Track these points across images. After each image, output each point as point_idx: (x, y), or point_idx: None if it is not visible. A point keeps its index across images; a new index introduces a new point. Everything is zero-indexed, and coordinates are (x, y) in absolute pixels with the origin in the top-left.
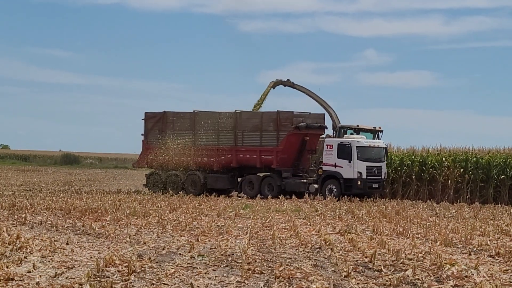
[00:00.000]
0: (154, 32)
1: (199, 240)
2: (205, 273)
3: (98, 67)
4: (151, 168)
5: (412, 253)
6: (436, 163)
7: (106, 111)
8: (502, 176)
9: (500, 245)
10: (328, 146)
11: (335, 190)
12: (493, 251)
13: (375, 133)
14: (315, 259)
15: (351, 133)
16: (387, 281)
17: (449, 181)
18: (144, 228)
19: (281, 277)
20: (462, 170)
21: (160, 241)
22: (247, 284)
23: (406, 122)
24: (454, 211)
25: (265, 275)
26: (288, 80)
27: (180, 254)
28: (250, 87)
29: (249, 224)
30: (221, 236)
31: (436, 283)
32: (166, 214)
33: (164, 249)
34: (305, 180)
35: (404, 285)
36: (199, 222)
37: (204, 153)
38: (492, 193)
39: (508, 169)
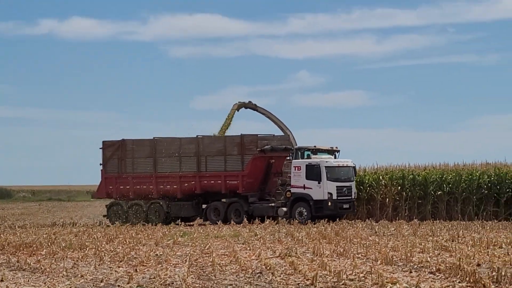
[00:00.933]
0: (86, 62)
1: (138, 270)
2: None
3: (30, 99)
4: (112, 198)
5: (354, 273)
6: (373, 182)
7: (39, 143)
8: (439, 192)
9: (441, 261)
10: (296, 168)
11: (305, 212)
12: (434, 268)
13: (332, 153)
14: (256, 284)
15: (308, 155)
16: None
17: (387, 199)
18: (81, 261)
19: None
20: (399, 187)
21: (98, 273)
22: None
23: (342, 142)
24: (393, 229)
25: None
26: (250, 102)
27: (118, 285)
28: (185, 113)
29: (188, 252)
30: (160, 265)
31: None
32: (103, 245)
33: (102, 281)
34: (273, 204)
35: None
36: (137, 252)
37: (166, 181)
38: (430, 209)
39: (444, 185)
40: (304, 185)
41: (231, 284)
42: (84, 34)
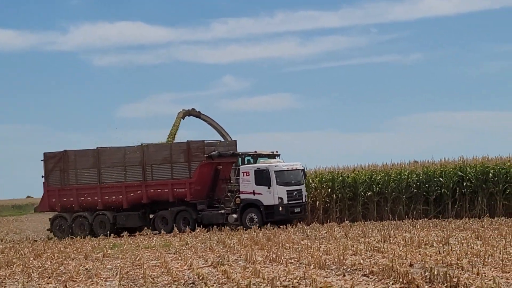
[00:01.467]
0: (5, 74)
1: (67, 286)
2: None
3: None
4: (55, 211)
5: (287, 279)
6: None
7: None
8: (369, 193)
9: (373, 263)
10: (245, 173)
11: (256, 218)
12: (367, 270)
13: (273, 157)
14: None
15: (248, 160)
16: None
17: (318, 202)
18: (8, 279)
19: None
20: (329, 190)
21: None
22: None
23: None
24: (325, 231)
25: None
26: (193, 109)
27: None
28: (110, 123)
29: (118, 264)
30: (90, 279)
31: None
32: (30, 261)
33: None
34: (223, 211)
35: None
36: (66, 267)
37: (111, 191)
38: (360, 210)
39: (374, 186)
40: (253, 190)
41: None
42: (3, 45)
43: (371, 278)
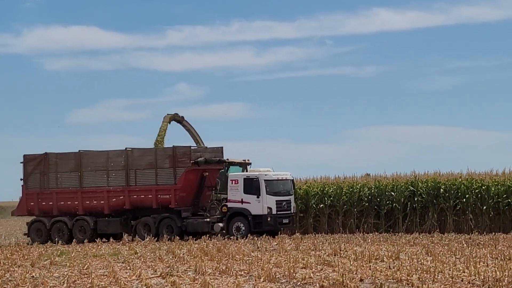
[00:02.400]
0: None
1: None
2: None
3: None
4: (33, 215)
5: None
6: None
7: None
8: (321, 205)
9: (324, 277)
10: (233, 181)
11: (243, 228)
12: (317, 285)
13: (244, 166)
14: None
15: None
16: None
17: None
18: None
19: None
20: None
21: None
22: None
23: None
24: (276, 243)
25: None
26: (176, 114)
27: None
28: (62, 128)
29: (65, 273)
30: None
31: None
32: None
33: None
34: (208, 219)
35: None
36: (12, 274)
37: (92, 196)
38: (311, 222)
39: (326, 198)
40: (242, 199)
41: None
42: None
43: None
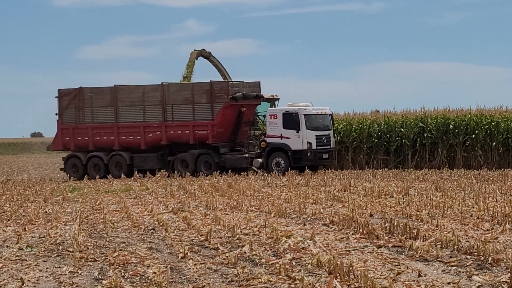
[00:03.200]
0: None
1: (27, 229)
2: (35, 265)
3: None
4: (69, 150)
5: (248, 227)
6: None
7: None
8: None
9: (334, 213)
10: (272, 116)
11: (283, 163)
12: (327, 220)
13: (273, 101)
14: (149, 242)
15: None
16: (224, 259)
17: None
18: None
19: (115, 263)
20: None
21: None
22: (81, 273)
23: None
24: (286, 179)
25: (99, 262)
26: (204, 50)
27: (7, 246)
28: (70, 64)
29: (78, 208)
30: (50, 223)
31: (274, 258)
32: None
33: None
34: (247, 155)
35: (242, 262)
36: (25, 210)
37: (129, 131)
38: None
39: (335, 135)
40: (281, 134)
41: (123, 242)
42: None
43: (331, 228)
